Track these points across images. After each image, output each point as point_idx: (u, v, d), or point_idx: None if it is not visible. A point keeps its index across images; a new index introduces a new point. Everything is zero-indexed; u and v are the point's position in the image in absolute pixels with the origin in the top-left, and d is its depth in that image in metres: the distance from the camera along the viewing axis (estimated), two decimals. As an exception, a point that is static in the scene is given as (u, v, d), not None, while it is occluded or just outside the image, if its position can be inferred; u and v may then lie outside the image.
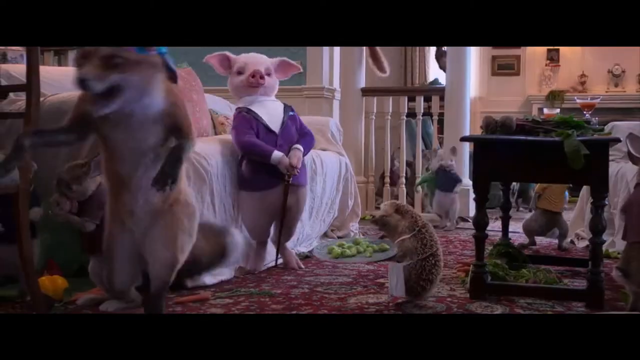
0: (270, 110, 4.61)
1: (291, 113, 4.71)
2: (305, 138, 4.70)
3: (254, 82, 4.62)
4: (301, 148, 4.56)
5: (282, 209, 4.48)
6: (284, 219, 4.52)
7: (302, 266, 4.67)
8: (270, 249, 4.65)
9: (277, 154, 4.41)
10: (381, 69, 7.70)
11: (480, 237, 3.76)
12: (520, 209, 8.58)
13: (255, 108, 4.58)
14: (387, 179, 8.16)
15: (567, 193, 5.84)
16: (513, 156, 3.69)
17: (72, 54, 7.67)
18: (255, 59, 4.74)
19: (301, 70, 5.02)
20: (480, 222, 3.75)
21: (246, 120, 4.56)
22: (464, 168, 7.61)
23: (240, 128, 4.54)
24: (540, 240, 5.86)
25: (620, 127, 5.75)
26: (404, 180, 8.10)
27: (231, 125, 4.76)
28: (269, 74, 4.71)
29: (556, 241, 5.73)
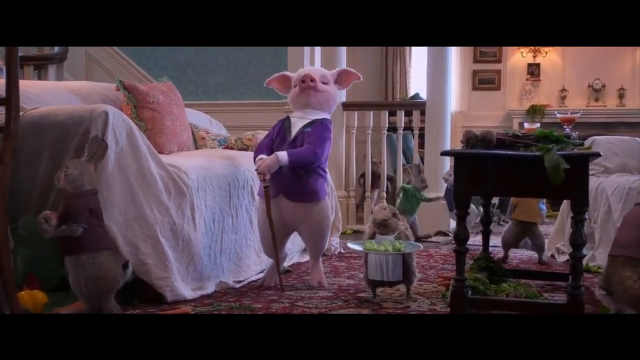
0: (299, 122, 4.50)
1: (308, 129, 4.44)
2: (301, 149, 4.38)
3: (305, 86, 4.49)
4: (278, 155, 4.27)
5: (269, 220, 4.35)
6: (273, 229, 4.36)
7: (326, 286, 4.54)
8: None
9: (259, 157, 4.35)
10: None
11: (461, 251, 3.76)
12: (501, 222, 8.59)
13: (293, 117, 4.56)
14: (368, 194, 8.20)
15: (543, 206, 5.85)
16: (493, 170, 3.69)
17: (52, 69, 7.65)
18: (310, 69, 4.73)
19: (361, 78, 4.91)
20: (461, 237, 3.75)
21: (274, 127, 4.60)
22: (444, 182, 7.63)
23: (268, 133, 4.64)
24: (521, 254, 5.87)
25: (600, 142, 5.78)
26: (384, 194, 8.12)
27: None
28: (325, 83, 4.59)
29: (533, 254, 5.74)
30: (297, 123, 4.48)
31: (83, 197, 3.44)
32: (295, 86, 4.58)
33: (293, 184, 4.32)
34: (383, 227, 4.25)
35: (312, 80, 4.48)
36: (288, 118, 4.55)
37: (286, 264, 5.03)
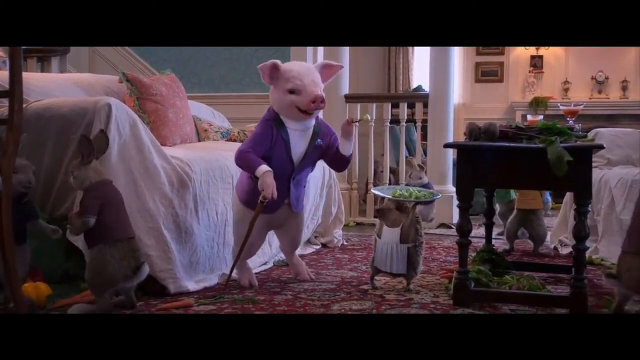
0: (300, 134, 4.14)
1: (318, 142, 4.20)
2: (346, 157, 4.27)
3: (313, 108, 4.03)
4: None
5: (248, 229, 4.12)
6: (246, 240, 4.16)
7: (313, 277, 4.53)
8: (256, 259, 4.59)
9: (262, 169, 3.99)
10: None
11: (464, 243, 3.76)
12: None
13: (292, 130, 4.12)
14: (371, 186, 8.18)
15: (548, 197, 5.86)
16: (496, 163, 3.69)
17: (55, 61, 7.65)
18: (310, 74, 4.09)
19: (342, 67, 4.49)
20: (464, 229, 3.75)
21: (267, 133, 4.11)
22: (448, 175, 7.63)
23: (254, 137, 4.15)
24: (524, 246, 5.86)
25: (604, 134, 5.77)
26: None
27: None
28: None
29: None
30: (297, 133, 4.15)
31: (93, 190, 3.47)
32: (292, 92, 4.03)
33: (298, 192, 4.32)
34: (382, 216, 4.19)
35: (323, 101, 4.05)
36: (280, 124, 4.13)
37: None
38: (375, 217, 4.22)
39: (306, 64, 4.28)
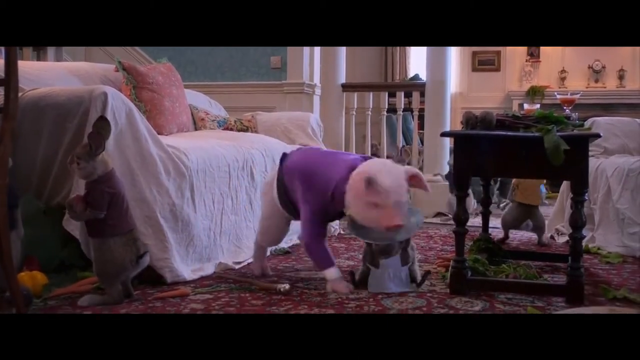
0: None
1: None
2: None
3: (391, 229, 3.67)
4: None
5: None
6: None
7: None
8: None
9: (332, 272, 3.96)
10: None
11: (461, 232, 3.77)
12: (501, 205, 8.57)
13: None
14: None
15: (543, 188, 5.88)
16: (493, 151, 3.69)
17: (51, 50, 7.63)
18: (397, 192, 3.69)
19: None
20: (461, 218, 3.76)
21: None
22: (444, 163, 7.63)
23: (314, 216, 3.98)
24: (521, 235, 5.87)
25: (600, 123, 5.78)
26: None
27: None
28: None
29: (533, 235, 5.76)
30: None
31: (102, 183, 3.45)
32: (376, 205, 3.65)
33: None
34: (387, 252, 3.87)
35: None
36: None
37: (286, 245, 5.03)
38: (381, 256, 3.84)
39: (395, 175, 3.76)
